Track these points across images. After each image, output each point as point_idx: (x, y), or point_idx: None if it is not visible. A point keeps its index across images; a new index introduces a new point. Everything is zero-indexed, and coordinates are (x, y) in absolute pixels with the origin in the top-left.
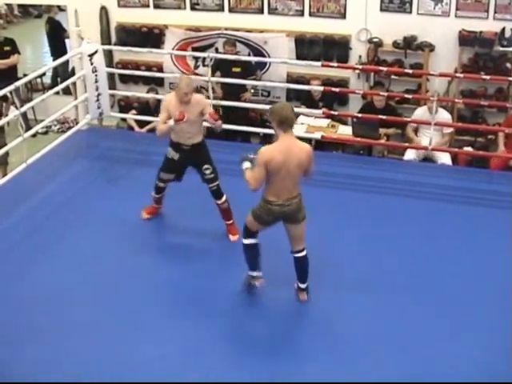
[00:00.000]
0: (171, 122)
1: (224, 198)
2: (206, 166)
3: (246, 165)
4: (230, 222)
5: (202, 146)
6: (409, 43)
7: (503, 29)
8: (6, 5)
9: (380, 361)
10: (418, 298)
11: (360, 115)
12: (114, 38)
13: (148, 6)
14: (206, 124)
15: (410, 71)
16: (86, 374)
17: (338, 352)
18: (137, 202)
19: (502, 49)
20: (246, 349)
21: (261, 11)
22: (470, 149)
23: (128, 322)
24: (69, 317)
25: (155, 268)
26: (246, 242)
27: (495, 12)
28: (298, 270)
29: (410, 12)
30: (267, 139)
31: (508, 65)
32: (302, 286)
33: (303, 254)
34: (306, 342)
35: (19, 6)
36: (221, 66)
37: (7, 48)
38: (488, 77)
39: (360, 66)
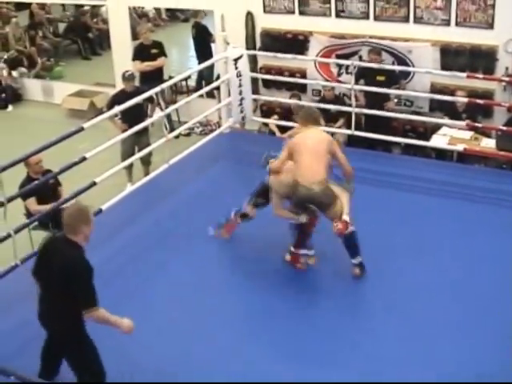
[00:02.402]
0: None
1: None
2: None
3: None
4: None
5: None
6: None
7: None
8: (155, 9)
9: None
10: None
11: (505, 128)
12: (258, 44)
13: (293, 12)
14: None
15: None
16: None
17: None
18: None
19: None
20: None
21: (406, 20)
22: None
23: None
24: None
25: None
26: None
27: None
28: (344, 245)
29: None
30: (409, 149)
31: None
32: (353, 261)
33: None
34: None
35: (167, 10)
36: (365, 74)
37: (154, 51)
38: None
39: (507, 78)
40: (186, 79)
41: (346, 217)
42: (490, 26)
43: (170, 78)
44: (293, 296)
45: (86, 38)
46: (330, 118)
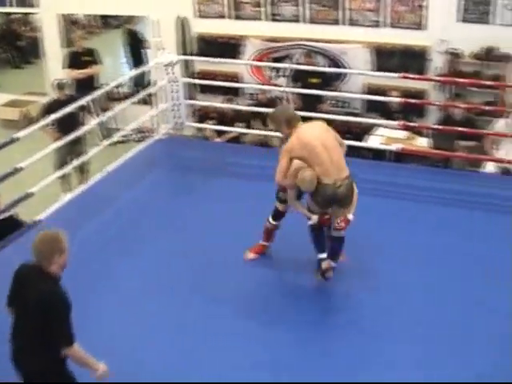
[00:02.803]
0: None
1: None
2: None
3: None
4: None
5: None
6: (488, 54)
7: None
8: (87, 15)
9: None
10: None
11: (438, 127)
12: (192, 49)
13: (227, 16)
14: None
15: (490, 83)
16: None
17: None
18: (212, 211)
19: None
20: None
21: (339, 22)
22: None
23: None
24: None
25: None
26: None
27: None
28: (330, 246)
29: (490, 23)
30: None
31: None
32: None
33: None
34: None
35: (101, 17)
36: (300, 77)
37: (86, 58)
38: None
39: (439, 78)
40: (117, 86)
41: (350, 216)
42: (422, 26)
43: (106, 85)
44: (247, 299)
45: (15, 46)
46: (265, 122)
